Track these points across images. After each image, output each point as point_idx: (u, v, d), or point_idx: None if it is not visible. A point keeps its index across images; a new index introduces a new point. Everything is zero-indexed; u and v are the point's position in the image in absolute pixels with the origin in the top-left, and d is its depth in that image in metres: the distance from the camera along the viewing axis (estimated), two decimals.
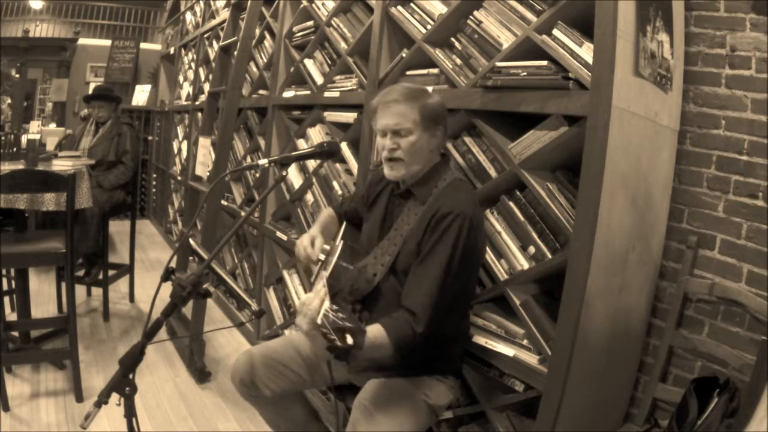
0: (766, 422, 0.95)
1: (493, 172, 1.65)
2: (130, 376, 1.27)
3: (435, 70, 1.87)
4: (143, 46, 6.93)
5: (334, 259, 1.49)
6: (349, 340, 1.10)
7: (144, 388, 2.43)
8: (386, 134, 1.47)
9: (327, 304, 1.15)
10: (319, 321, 1.11)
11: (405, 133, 1.44)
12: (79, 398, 2.30)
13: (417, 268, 1.40)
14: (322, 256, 1.58)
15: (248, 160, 3.41)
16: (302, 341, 1.63)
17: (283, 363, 1.57)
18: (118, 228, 5.25)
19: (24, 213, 2.86)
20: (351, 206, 1.80)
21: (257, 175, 3.26)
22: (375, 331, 1.27)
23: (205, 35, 4.33)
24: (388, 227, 1.54)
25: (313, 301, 1.17)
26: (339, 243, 1.54)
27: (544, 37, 1.47)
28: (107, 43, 6.87)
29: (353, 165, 2.27)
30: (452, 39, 1.83)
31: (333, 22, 2.48)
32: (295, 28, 2.85)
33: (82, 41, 6.91)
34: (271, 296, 2.97)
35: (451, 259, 1.36)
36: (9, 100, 7.06)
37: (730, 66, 1.50)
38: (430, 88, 1.79)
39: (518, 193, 1.57)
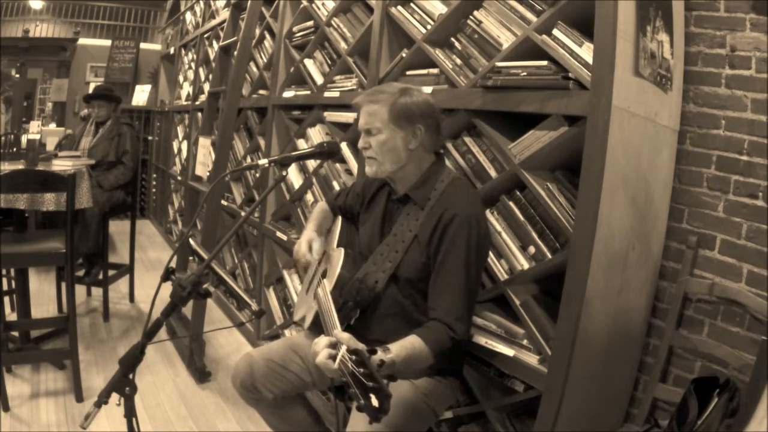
0: (766, 422, 0.95)
1: (493, 172, 1.65)
2: (130, 376, 1.27)
3: (435, 70, 1.86)
4: (143, 46, 6.93)
5: (338, 270, 1.47)
6: (375, 402, 0.95)
7: (144, 388, 2.43)
8: (362, 133, 1.51)
9: (343, 349, 1.03)
10: (335, 366, 1.04)
11: (375, 132, 1.47)
12: (79, 398, 2.30)
13: (436, 278, 1.40)
14: (321, 266, 1.58)
15: (248, 160, 3.41)
16: (302, 343, 1.63)
17: (283, 365, 1.57)
18: (118, 228, 5.25)
19: (24, 213, 2.86)
20: (347, 201, 1.79)
21: (257, 175, 3.26)
22: (413, 341, 1.27)
23: (205, 35, 4.33)
24: (387, 232, 1.54)
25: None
26: (341, 255, 1.53)
27: (544, 37, 1.47)
28: (107, 43, 6.86)
29: (353, 165, 2.27)
30: (452, 39, 1.82)
31: (333, 22, 2.48)
32: (295, 28, 2.85)
33: (82, 41, 6.91)
34: (271, 296, 2.97)
35: (468, 261, 1.37)
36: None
37: (730, 66, 1.50)
38: (429, 89, 1.79)
39: (518, 193, 1.57)
